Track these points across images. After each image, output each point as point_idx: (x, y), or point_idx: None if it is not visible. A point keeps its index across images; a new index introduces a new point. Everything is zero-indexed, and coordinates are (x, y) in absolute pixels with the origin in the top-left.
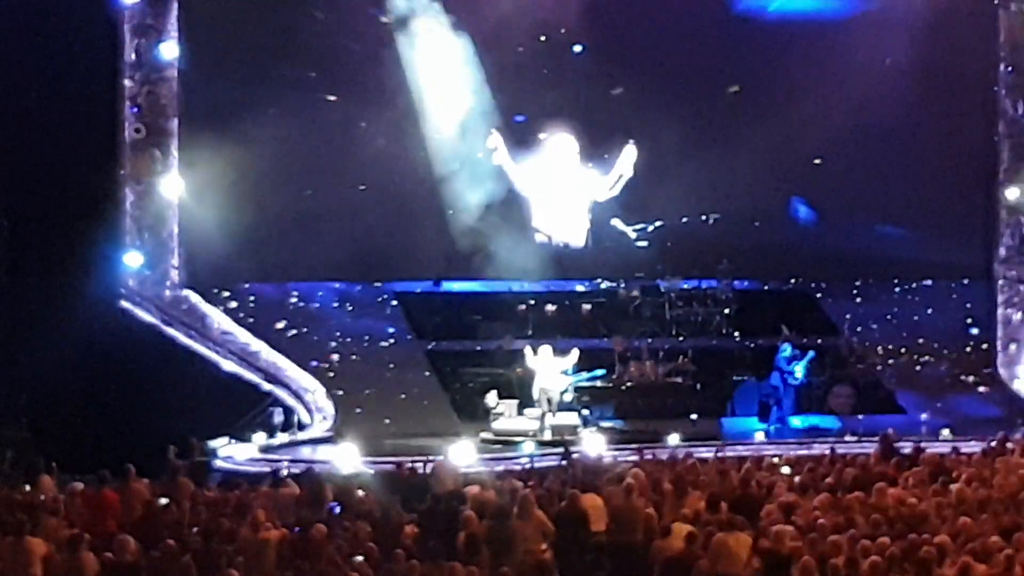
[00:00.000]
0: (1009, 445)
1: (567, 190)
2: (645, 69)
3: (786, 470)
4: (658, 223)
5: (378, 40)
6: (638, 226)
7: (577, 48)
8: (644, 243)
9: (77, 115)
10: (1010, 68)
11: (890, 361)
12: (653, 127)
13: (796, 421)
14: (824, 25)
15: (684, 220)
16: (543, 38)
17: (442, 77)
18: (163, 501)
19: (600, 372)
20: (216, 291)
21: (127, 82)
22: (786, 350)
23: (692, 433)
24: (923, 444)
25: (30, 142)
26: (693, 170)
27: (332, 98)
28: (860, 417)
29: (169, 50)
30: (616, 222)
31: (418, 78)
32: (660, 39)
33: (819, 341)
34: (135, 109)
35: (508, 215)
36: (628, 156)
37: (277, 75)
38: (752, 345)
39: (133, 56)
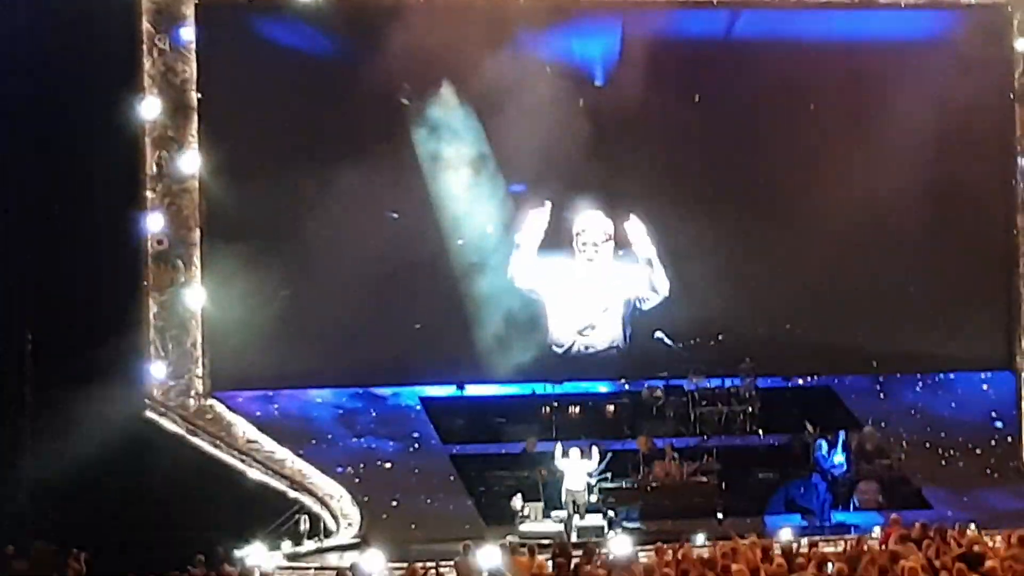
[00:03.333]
0: None
1: (597, 284)
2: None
3: None
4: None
5: (399, 131)
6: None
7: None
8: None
9: (100, 227)
10: None
11: (915, 456)
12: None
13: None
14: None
15: (719, 337)
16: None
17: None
18: None
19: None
20: (241, 400)
21: (149, 194)
22: (822, 447)
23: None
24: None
25: (53, 255)
26: (712, 268)
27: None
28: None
29: (190, 161)
30: (660, 334)
31: (435, 168)
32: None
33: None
34: (157, 221)
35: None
36: (637, 232)
37: (297, 181)
38: (776, 443)
39: (155, 168)
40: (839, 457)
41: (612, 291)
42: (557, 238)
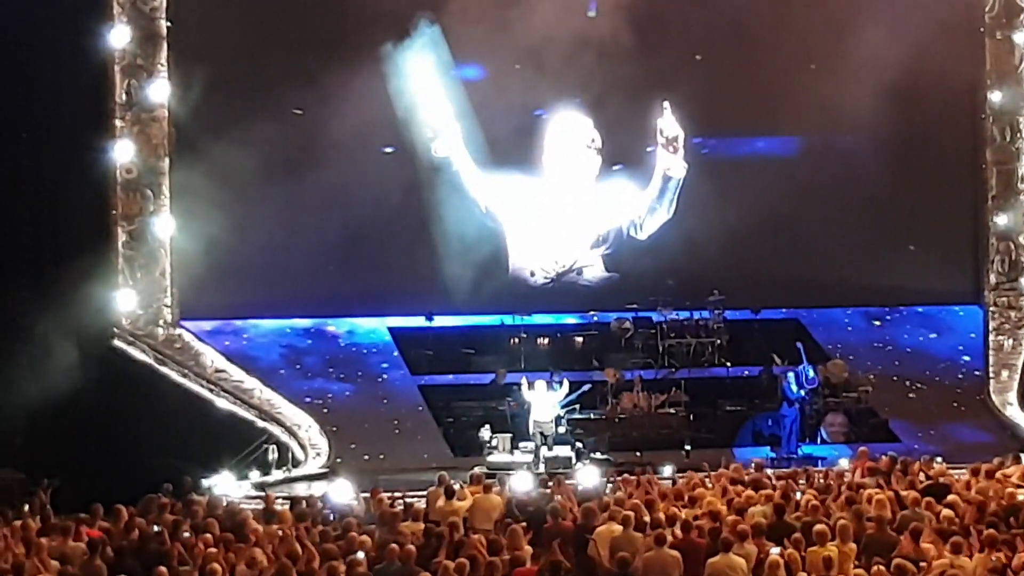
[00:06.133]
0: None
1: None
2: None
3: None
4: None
5: (373, 70)
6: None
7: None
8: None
9: (68, 156)
10: (997, 95)
11: (883, 389)
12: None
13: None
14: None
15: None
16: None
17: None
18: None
19: (585, 387)
20: (209, 329)
21: (118, 122)
22: (791, 382)
23: (697, 464)
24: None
25: (21, 183)
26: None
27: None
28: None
29: (159, 90)
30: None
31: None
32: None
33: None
34: (126, 150)
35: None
36: (670, 124)
37: (268, 111)
38: (745, 374)
39: (124, 96)
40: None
41: (598, 221)
42: (525, 146)
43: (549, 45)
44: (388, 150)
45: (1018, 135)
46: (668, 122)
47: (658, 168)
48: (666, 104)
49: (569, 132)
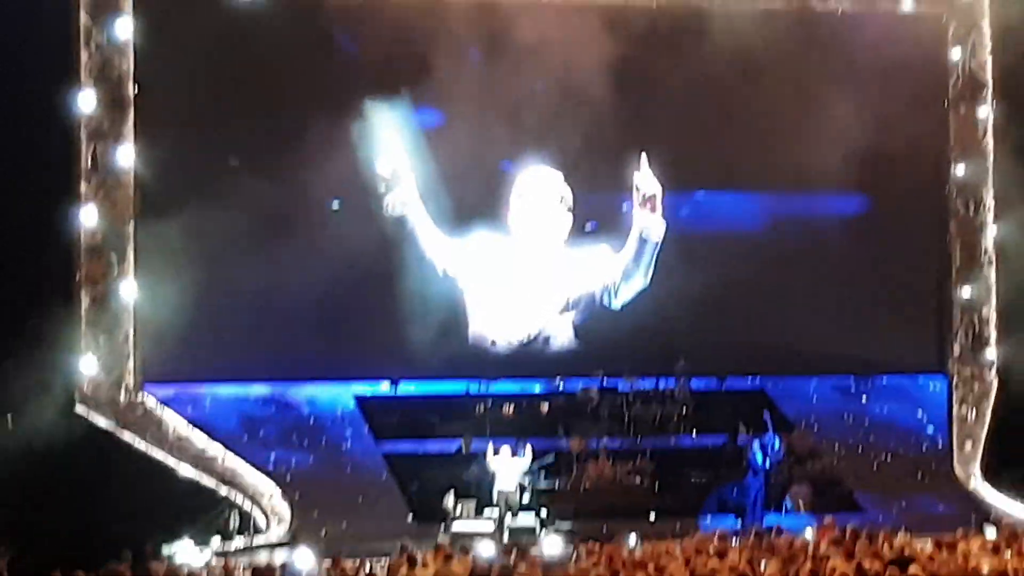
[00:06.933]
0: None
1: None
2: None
3: None
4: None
5: (340, 135)
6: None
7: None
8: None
9: (33, 219)
10: (961, 168)
11: (848, 459)
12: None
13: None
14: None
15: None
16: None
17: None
18: None
19: (549, 460)
20: (173, 394)
21: (84, 186)
22: (757, 452)
23: (662, 533)
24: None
25: None
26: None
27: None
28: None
29: (125, 155)
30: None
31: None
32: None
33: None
34: (91, 214)
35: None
36: (647, 181)
37: (234, 177)
38: (710, 444)
39: (90, 161)
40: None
41: (568, 285)
42: (491, 203)
43: (518, 95)
44: (335, 206)
45: (982, 208)
46: (645, 178)
47: (634, 229)
48: (643, 157)
49: (538, 188)
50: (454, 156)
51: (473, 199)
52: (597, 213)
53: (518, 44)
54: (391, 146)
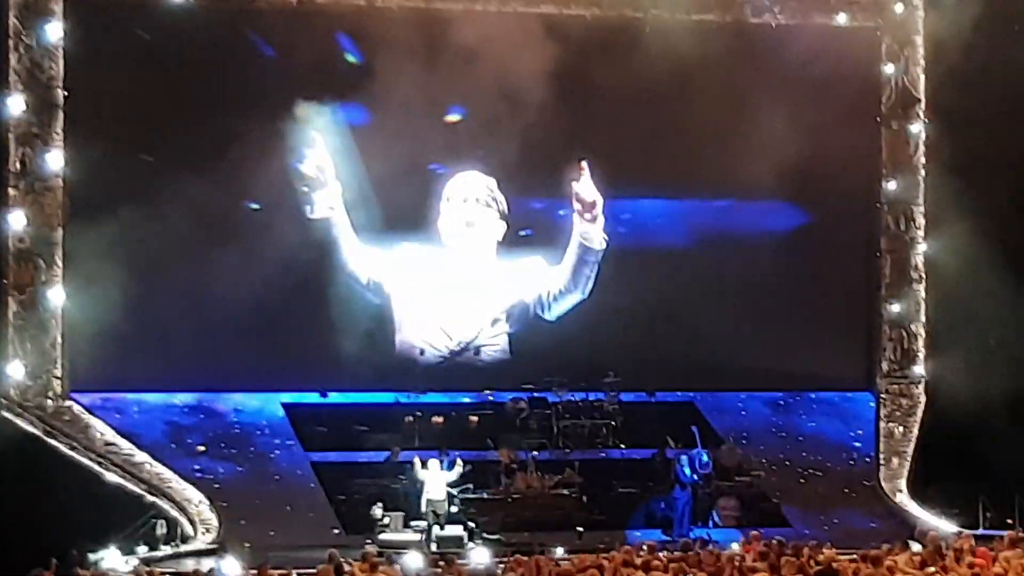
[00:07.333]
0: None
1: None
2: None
3: None
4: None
5: (269, 141)
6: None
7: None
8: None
9: None
10: (892, 184)
11: (775, 473)
12: None
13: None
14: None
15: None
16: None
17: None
18: None
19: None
20: (100, 401)
21: (11, 191)
22: (685, 466)
23: (589, 546)
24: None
25: None
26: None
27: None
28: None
29: (55, 160)
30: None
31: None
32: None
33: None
34: (19, 219)
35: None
36: (587, 189)
37: (163, 183)
38: (639, 457)
39: (18, 166)
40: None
41: (501, 295)
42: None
43: (452, 99)
44: (254, 207)
45: (912, 224)
46: (585, 185)
47: (573, 238)
48: (584, 164)
49: (469, 193)
50: (382, 157)
51: (402, 202)
52: (532, 221)
53: (454, 50)
54: (316, 147)
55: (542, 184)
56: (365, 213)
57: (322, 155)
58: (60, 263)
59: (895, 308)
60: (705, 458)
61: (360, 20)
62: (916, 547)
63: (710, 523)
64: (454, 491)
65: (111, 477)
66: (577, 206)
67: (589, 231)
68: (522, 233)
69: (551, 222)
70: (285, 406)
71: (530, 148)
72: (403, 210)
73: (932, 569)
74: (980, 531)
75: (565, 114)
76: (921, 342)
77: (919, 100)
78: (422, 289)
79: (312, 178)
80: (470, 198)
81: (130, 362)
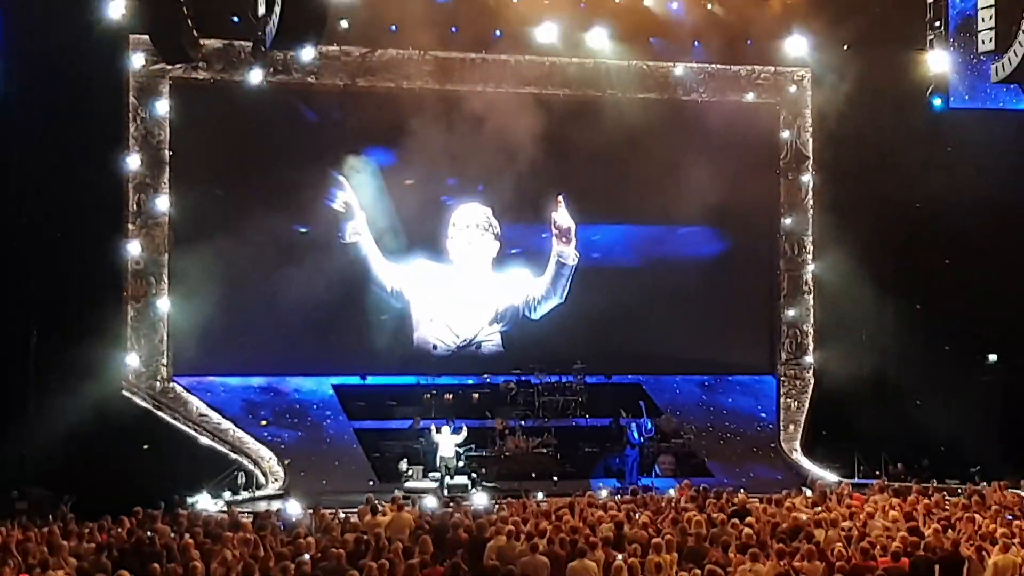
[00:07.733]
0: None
1: (475, 287)
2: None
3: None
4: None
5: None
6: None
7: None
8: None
9: (93, 251)
10: (788, 220)
11: (701, 437)
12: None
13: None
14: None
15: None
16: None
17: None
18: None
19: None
20: (195, 383)
21: (130, 226)
22: (634, 431)
23: (563, 491)
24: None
25: (56, 273)
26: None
27: (303, 230)
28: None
29: (163, 203)
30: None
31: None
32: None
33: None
34: (136, 247)
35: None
36: (563, 217)
37: (241, 218)
38: (598, 425)
39: (135, 207)
40: (635, 432)
41: (496, 300)
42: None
43: (461, 151)
44: (303, 230)
45: (803, 250)
46: (562, 215)
47: (552, 255)
48: (561, 199)
49: (471, 219)
50: (405, 193)
51: (420, 227)
52: (520, 242)
53: (463, 116)
54: (344, 188)
55: (528, 213)
56: (392, 236)
57: (348, 194)
58: (166, 280)
59: (791, 313)
60: (649, 425)
61: (392, 97)
62: (808, 492)
63: (653, 474)
64: (461, 450)
65: (204, 440)
66: (555, 231)
67: (565, 251)
68: (512, 251)
69: (535, 243)
70: (334, 387)
71: (519, 186)
72: (421, 234)
73: (819, 508)
74: (855, 480)
75: (546, 162)
76: (811, 338)
77: (808, 157)
78: (434, 296)
79: (342, 212)
80: (472, 224)
81: (218, 354)
